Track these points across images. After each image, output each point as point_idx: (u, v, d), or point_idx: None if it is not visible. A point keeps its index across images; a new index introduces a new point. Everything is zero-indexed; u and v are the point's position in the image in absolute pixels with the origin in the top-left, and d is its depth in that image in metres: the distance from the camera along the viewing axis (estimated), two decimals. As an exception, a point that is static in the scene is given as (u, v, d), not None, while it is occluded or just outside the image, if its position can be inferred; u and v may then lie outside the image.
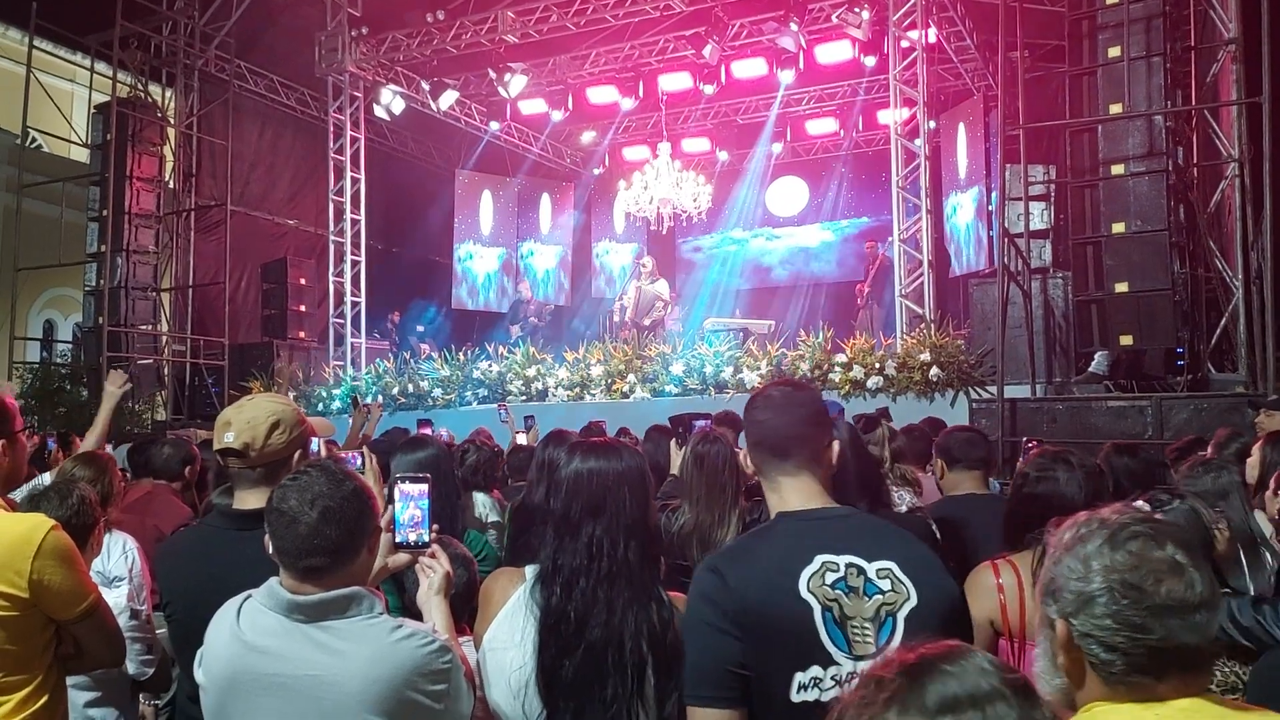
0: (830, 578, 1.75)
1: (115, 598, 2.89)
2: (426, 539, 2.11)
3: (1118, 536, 1.32)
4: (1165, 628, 1.27)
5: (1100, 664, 1.31)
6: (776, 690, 1.72)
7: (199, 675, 1.94)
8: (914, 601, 1.75)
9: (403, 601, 2.45)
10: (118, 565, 3.31)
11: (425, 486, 2.13)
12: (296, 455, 2.37)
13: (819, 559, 1.77)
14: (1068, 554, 1.35)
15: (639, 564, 1.98)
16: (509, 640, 1.99)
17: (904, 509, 3.64)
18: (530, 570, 2.05)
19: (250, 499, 2.29)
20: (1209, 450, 4.40)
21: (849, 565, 1.76)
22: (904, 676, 1.00)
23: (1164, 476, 3.67)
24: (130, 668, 2.99)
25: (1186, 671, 1.29)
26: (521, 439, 6.31)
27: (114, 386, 4.52)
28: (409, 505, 2.11)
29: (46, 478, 4.04)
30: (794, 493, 1.90)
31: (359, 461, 2.97)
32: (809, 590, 1.74)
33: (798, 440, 1.91)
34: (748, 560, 1.81)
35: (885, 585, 1.76)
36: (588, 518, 2.00)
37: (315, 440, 2.40)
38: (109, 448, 5.44)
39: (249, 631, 1.88)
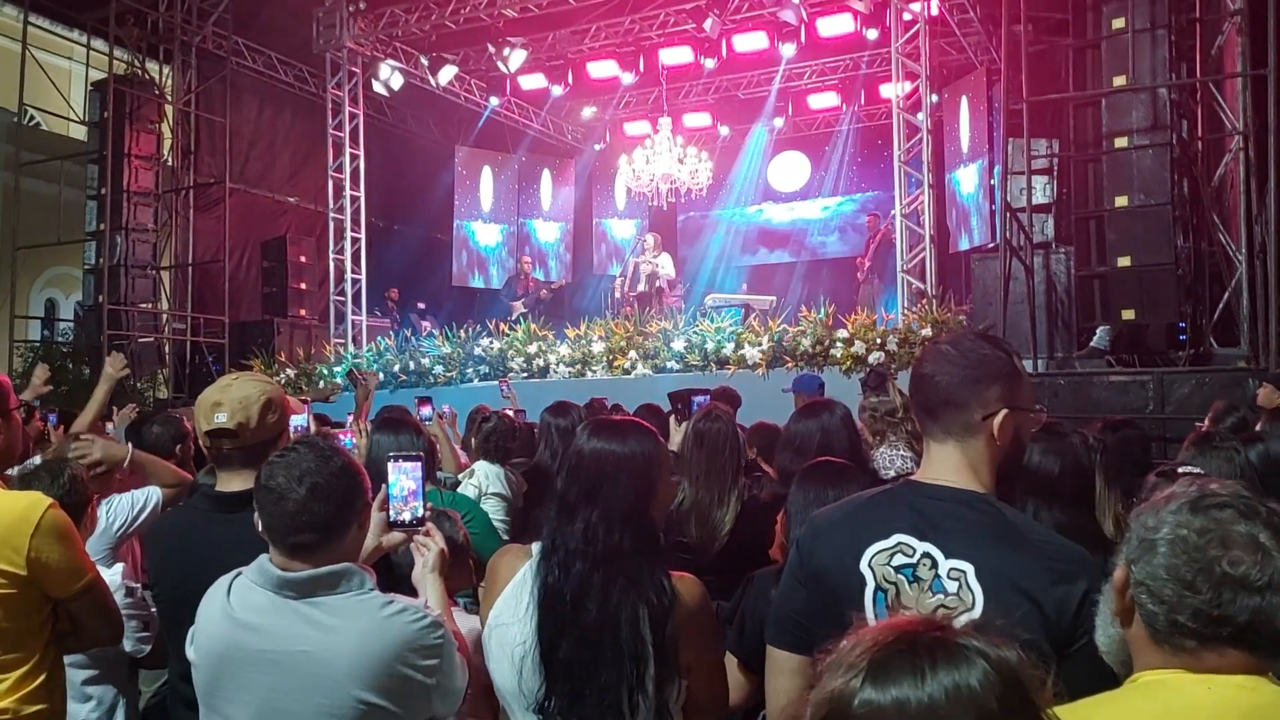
0: (899, 560, 1.68)
1: (109, 575, 2.88)
2: (421, 514, 2.11)
3: (1203, 501, 1.30)
4: (1217, 594, 1.24)
5: (1147, 614, 1.29)
6: (819, 648, 1.72)
7: (190, 653, 1.95)
8: (975, 613, 1.59)
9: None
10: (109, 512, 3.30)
11: (418, 464, 2.12)
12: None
13: (896, 538, 1.69)
14: (1152, 508, 1.34)
15: (634, 550, 1.95)
16: (512, 616, 1.98)
17: (892, 473, 3.63)
18: (537, 547, 2.04)
19: (235, 481, 2.27)
20: (1205, 423, 4.40)
21: (924, 555, 1.66)
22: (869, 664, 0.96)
23: (1148, 451, 3.66)
24: (127, 645, 2.99)
25: (1240, 648, 1.25)
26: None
27: (112, 369, 4.46)
28: (402, 483, 2.10)
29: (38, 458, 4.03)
30: (932, 460, 1.77)
31: (352, 441, 2.96)
32: (869, 565, 1.69)
33: (949, 405, 1.74)
34: (838, 521, 1.80)
35: (952, 587, 1.63)
36: (584, 501, 1.98)
37: (305, 416, 2.39)
38: (109, 427, 5.43)
39: (239, 609, 1.88)
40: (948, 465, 1.74)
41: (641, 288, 12.52)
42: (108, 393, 4.39)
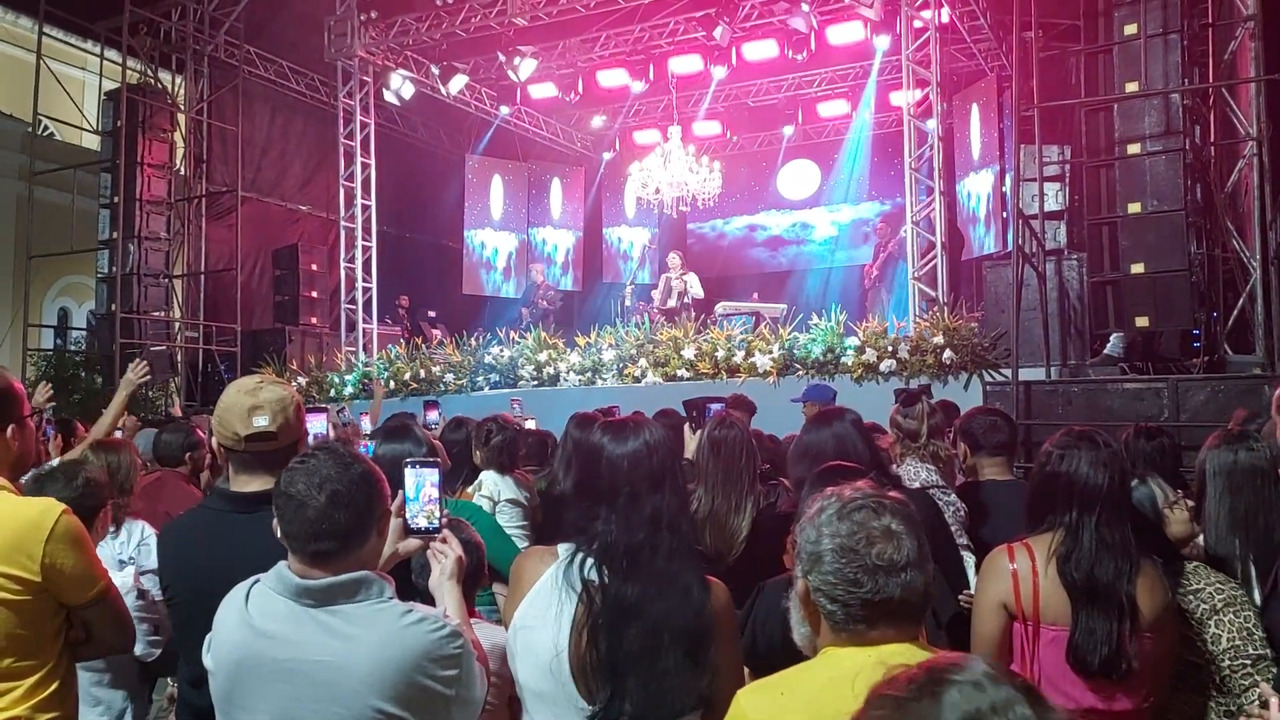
0: None
1: (121, 578, 2.87)
2: (438, 524, 2.09)
3: (846, 508, 1.59)
4: (875, 583, 1.54)
5: (827, 614, 1.59)
6: None
7: (208, 660, 1.92)
8: None
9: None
10: (138, 552, 3.29)
11: (436, 471, 2.11)
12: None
13: None
14: (809, 523, 1.62)
15: (686, 550, 1.99)
16: (541, 619, 1.96)
17: (916, 484, 3.61)
18: (564, 548, 2.02)
19: (254, 482, 2.25)
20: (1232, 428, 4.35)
21: None
22: (919, 692, 1.01)
23: (1179, 460, 3.62)
24: (137, 649, 2.97)
25: (897, 622, 1.56)
26: (530, 424, 6.31)
27: (133, 375, 4.47)
28: (420, 490, 2.09)
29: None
30: None
31: (374, 450, 2.96)
32: None
33: None
34: None
35: None
36: (646, 501, 1.99)
37: (324, 423, 2.38)
38: (118, 434, 5.43)
39: (258, 616, 1.86)
40: None
41: (672, 303, 12.44)
42: (126, 399, 4.40)
